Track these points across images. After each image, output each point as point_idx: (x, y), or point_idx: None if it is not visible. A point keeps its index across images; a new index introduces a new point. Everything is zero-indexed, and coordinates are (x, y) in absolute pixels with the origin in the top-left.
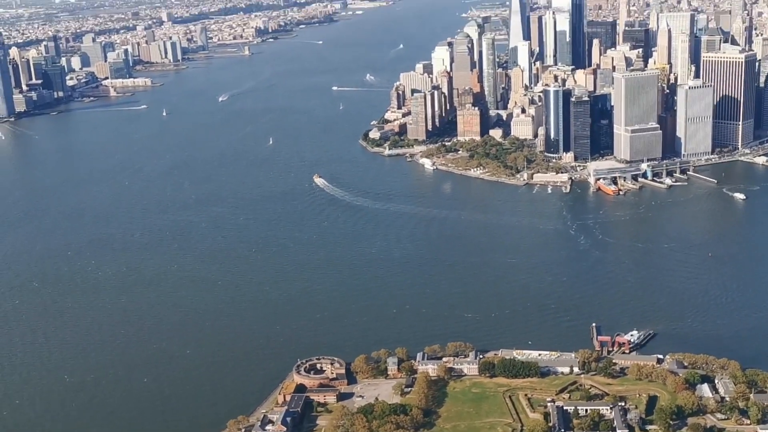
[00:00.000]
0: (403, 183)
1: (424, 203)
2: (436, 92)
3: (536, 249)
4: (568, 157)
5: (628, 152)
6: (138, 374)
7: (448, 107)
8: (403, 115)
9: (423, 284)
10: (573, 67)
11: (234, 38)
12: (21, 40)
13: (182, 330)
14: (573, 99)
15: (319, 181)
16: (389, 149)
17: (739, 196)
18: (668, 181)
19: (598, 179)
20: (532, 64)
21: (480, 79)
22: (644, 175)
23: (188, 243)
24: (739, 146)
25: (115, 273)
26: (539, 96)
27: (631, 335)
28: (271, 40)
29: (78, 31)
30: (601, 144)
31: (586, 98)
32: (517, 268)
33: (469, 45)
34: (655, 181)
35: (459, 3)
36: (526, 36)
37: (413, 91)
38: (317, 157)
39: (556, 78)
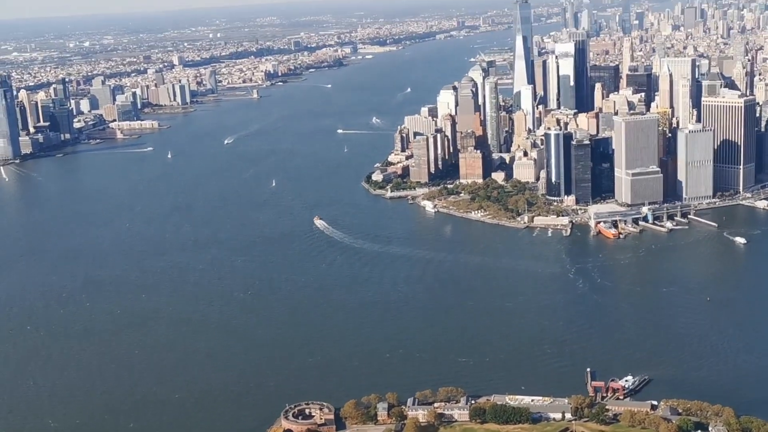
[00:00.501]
0: (403, 225)
1: (422, 246)
2: (438, 135)
3: (533, 293)
4: (569, 201)
5: (629, 196)
6: (125, 419)
7: (451, 150)
8: (407, 158)
9: (417, 328)
10: (576, 111)
11: (243, 81)
12: (32, 83)
13: (172, 373)
14: (574, 142)
15: (319, 223)
16: (391, 192)
17: (740, 240)
18: (669, 224)
19: (599, 222)
20: (535, 108)
21: (483, 123)
22: (645, 219)
23: (184, 285)
24: (741, 190)
25: (108, 315)
26: (541, 139)
27: (626, 381)
28: (280, 83)
29: (89, 74)
30: (602, 187)
31: (587, 142)
32: (513, 311)
33: (474, 89)
34: (656, 225)
35: (468, 48)
36: (531, 80)
37: (415, 134)
38: (319, 199)
39: (558, 122)
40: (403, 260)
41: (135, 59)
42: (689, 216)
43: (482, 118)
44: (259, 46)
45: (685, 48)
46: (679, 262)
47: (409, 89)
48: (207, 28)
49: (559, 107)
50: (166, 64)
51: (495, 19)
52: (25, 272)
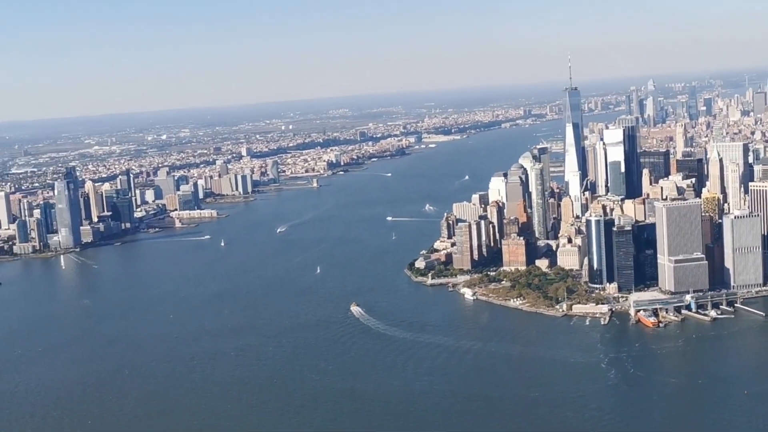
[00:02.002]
0: (439, 313)
1: (455, 334)
2: (483, 222)
3: (561, 382)
4: (611, 288)
5: (672, 283)
6: None
7: (497, 237)
8: (452, 245)
9: (435, 419)
10: (622, 197)
11: (306, 171)
12: (105, 175)
13: None
14: (615, 229)
15: (355, 309)
16: (431, 279)
17: None
18: (713, 313)
19: (638, 311)
20: (582, 194)
21: (529, 209)
22: (688, 307)
23: (212, 373)
24: None
25: (133, 404)
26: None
27: None
28: (341, 172)
29: (160, 165)
30: (646, 275)
31: (629, 228)
32: (537, 402)
33: (523, 176)
34: (699, 314)
35: (531, 136)
36: (581, 167)
37: (458, 220)
38: (359, 285)
39: (604, 208)
40: (434, 348)
41: (206, 151)
42: (736, 305)
43: (526, 205)
44: (326, 136)
45: (752, 133)
46: (719, 352)
47: (467, 177)
48: (280, 121)
49: (607, 193)
50: (234, 155)
51: (562, 107)
52: (61, 360)
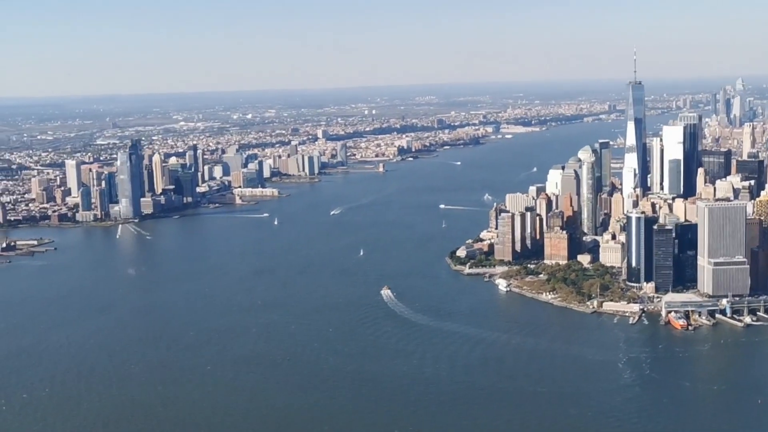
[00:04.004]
0: (469, 302)
1: (479, 324)
2: (530, 214)
3: (573, 379)
4: (648, 288)
5: (710, 286)
6: None
7: (544, 230)
8: (498, 236)
9: (438, 408)
10: (674, 195)
11: (376, 155)
12: (181, 150)
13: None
14: (655, 227)
15: (385, 293)
16: (469, 268)
17: None
18: (747, 319)
19: (669, 312)
20: (634, 191)
21: (578, 203)
22: (723, 312)
23: (231, 346)
24: None
25: (147, 368)
26: None
27: None
28: (410, 158)
29: (236, 143)
30: (686, 276)
31: (670, 227)
32: (543, 397)
33: (579, 169)
34: (734, 319)
35: (610, 131)
36: (643, 164)
37: (501, 211)
38: (397, 270)
39: (653, 206)
40: (455, 337)
41: (284, 131)
42: None
43: (572, 199)
44: (404, 122)
45: None
46: (744, 359)
47: (535, 168)
48: (366, 105)
49: (662, 190)
50: (310, 136)
51: (649, 104)
52: (94, 325)
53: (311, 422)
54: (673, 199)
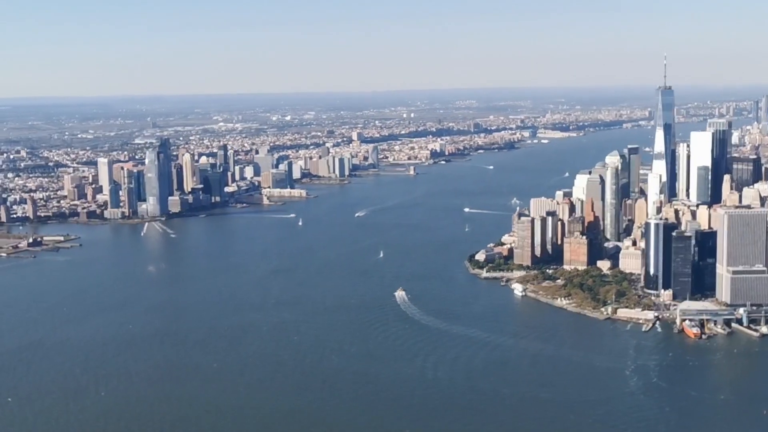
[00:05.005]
0: (482, 306)
1: (489, 328)
2: (550, 218)
3: (577, 386)
4: (665, 295)
5: (728, 294)
6: None
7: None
8: (517, 240)
9: (431, 410)
10: (699, 202)
11: (409, 158)
12: (216, 150)
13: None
14: (674, 234)
15: (399, 295)
16: (486, 272)
17: None
18: (764, 329)
19: (684, 320)
20: (658, 197)
21: (602, 209)
22: (740, 321)
23: (239, 344)
24: None
25: (153, 364)
26: None
27: None
28: (443, 162)
29: (272, 144)
30: (705, 284)
31: (689, 234)
32: (544, 403)
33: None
34: (750, 329)
35: (647, 137)
36: (671, 170)
37: (521, 215)
38: (414, 272)
39: (676, 212)
40: (461, 340)
41: (319, 133)
42: None
43: (594, 204)
44: (440, 126)
45: None
46: (755, 369)
47: (567, 174)
48: (406, 108)
49: (688, 197)
50: (345, 138)
51: (691, 111)
52: (108, 320)
53: (302, 423)
54: (698, 206)
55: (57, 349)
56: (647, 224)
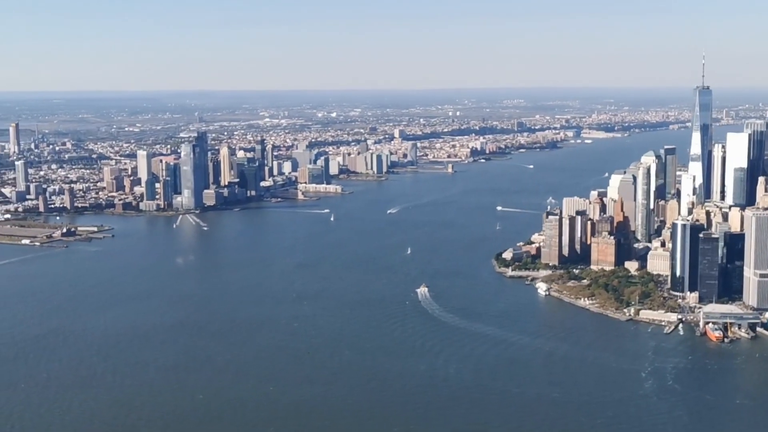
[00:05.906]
0: (504, 305)
1: (508, 327)
2: (579, 218)
3: (590, 386)
4: (691, 297)
5: (755, 298)
6: None
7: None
8: (545, 239)
9: (440, 407)
10: (732, 204)
11: (448, 156)
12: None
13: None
14: (701, 236)
15: (421, 291)
16: (512, 271)
17: None
18: None
19: (707, 323)
20: (690, 198)
21: (633, 209)
22: (765, 325)
23: (255, 336)
24: None
25: (170, 354)
26: None
27: None
28: (483, 160)
29: (314, 140)
30: (733, 287)
31: (716, 236)
32: (554, 402)
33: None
34: None
35: (689, 139)
36: (706, 171)
37: (548, 214)
38: (440, 269)
39: (708, 214)
40: (478, 338)
41: (362, 130)
42: None
43: (623, 204)
44: (483, 124)
45: None
46: None
47: (606, 174)
48: (453, 107)
49: (723, 199)
50: (387, 135)
51: (741, 113)
52: (127, 311)
53: (306, 416)
54: (730, 207)
55: (75, 338)
56: (674, 225)
